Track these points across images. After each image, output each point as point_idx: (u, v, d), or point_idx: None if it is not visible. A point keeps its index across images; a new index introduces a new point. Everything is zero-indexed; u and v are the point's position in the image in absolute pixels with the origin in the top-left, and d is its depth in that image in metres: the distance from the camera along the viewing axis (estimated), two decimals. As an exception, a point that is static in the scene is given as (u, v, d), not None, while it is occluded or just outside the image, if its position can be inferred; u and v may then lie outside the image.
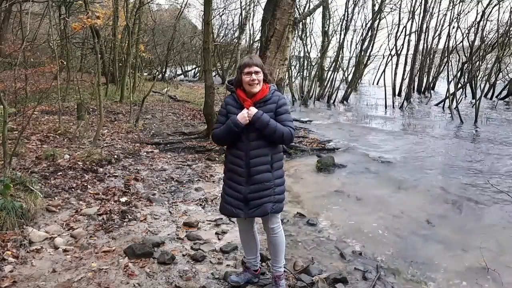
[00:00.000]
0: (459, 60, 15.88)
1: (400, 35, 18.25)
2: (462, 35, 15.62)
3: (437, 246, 3.83)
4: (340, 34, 18.24)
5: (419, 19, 17.74)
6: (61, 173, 5.23)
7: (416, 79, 19.87)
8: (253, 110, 2.59)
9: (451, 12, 17.86)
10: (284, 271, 3.00)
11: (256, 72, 2.62)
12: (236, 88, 2.72)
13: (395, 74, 18.37)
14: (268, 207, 2.64)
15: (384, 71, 17.92)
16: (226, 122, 2.65)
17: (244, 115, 2.58)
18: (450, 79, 13.41)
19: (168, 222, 4.12)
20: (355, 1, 17.95)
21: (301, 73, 18.61)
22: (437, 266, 3.45)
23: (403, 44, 18.32)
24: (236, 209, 2.68)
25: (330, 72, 18.06)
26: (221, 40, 28.54)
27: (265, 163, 2.64)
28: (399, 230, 4.19)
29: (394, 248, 3.75)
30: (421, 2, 17.64)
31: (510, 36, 14.11)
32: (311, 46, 21.08)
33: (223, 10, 28.02)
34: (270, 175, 2.66)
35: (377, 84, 24.31)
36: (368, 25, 18.31)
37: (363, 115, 13.40)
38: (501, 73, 16.13)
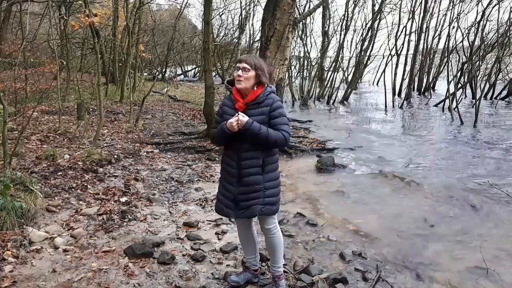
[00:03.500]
0: (459, 60, 15.87)
1: (400, 35, 18.25)
2: (462, 35, 15.63)
3: (437, 246, 3.83)
4: (340, 34, 18.25)
5: (419, 19, 17.75)
6: (61, 173, 5.23)
7: (416, 79, 19.87)
8: (243, 119, 2.52)
9: (451, 12, 17.88)
10: (284, 271, 3.00)
11: (244, 69, 2.58)
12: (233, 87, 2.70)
13: (395, 74, 18.37)
14: (256, 209, 2.63)
15: (384, 71, 17.92)
16: (219, 126, 2.64)
17: (232, 124, 2.52)
18: (450, 79, 13.40)
19: (168, 222, 4.12)
20: (355, 1, 17.95)
21: (301, 73, 18.60)
22: (437, 266, 3.45)
23: (403, 44, 18.33)
24: (226, 208, 2.71)
25: (330, 72, 18.06)
26: (221, 40, 28.53)
27: (256, 165, 2.62)
28: (399, 230, 4.19)
29: (394, 248, 3.75)
30: (421, 2, 17.65)
31: (510, 36, 14.10)
32: (311, 46, 21.03)
33: (223, 10, 28.07)
34: (260, 178, 2.63)
35: (377, 84, 24.32)
36: (368, 25, 18.32)
37: (363, 115, 13.40)
38: (501, 73, 16.13)
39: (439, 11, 26.70)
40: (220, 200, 2.76)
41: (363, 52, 18.37)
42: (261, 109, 2.61)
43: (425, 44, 19.46)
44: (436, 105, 15.32)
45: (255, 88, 2.64)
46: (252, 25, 29.88)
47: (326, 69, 19.85)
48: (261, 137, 2.53)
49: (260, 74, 2.62)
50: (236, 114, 2.54)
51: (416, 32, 17.91)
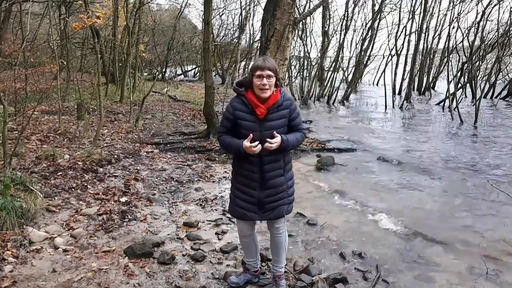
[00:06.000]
0: (459, 60, 15.88)
1: (400, 35, 18.28)
2: (462, 35, 15.65)
3: (437, 246, 3.83)
4: (340, 34, 18.26)
5: (419, 19, 17.76)
6: (61, 173, 5.23)
7: (416, 79, 19.89)
8: (277, 140, 2.47)
9: (451, 12, 17.91)
10: (284, 271, 3.00)
11: (269, 76, 2.47)
12: (246, 91, 2.57)
13: (395, 74, 18.39)
14: (283, 209, 2.68)
15: (384, 71, 17.93)
16: (236, 143, 2.53)
17: (253, 150, 2.46)
18: (450, 79, 13.41)
19: (168, 222, 4.12)
20: (355, 1, 17.97)
21: (301, 73, 18.62)
22: (437, 266, 3.45)
23: (403, 44, 18.35)
24: (249, 212, 2.65)
25: (330, 72, 18.07)
26: (221, 40, 28.55)
27: (279, 167, 2.64)
28: (399, 230, 4.19)
29: (394, 248, 3.75)
30: (421, 2, 17.66)
31: (510, 36, 14.11)
32: (311, 46, 21.13)
33: (223, 10, 28.07)
34: (283, 179, 2.67)
35: (377, 84, 24.33)
36: (368, 25, 18.33)
37: (363, 115, 13.40)
38: (501, 73, 16.14)
39: (439, 11, 26.82)
40: (240, 205, 2.68)
41: (363, 52, 18.39)
42: (281, 113, 2.58)
43: (425, 44, 19.49)
44: (436, 105, 15.32)
45: (274, 92, 2.57)
46: (252, 25, 29.96)
47: (326, 69, 19.86)
48: (294, 146, 2.62)
49: (279, 77, 2.58)
50: (258, 142, 2.47)
51: (416, 32, 17.92)
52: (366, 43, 18.21)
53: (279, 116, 2.57)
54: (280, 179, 2.65)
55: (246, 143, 2.47)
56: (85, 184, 4.99)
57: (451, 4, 17.71)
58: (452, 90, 13.16)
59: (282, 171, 2.65)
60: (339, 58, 18.62)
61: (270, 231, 2.83)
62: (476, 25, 15.72)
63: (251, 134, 2.49)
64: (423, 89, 20.11)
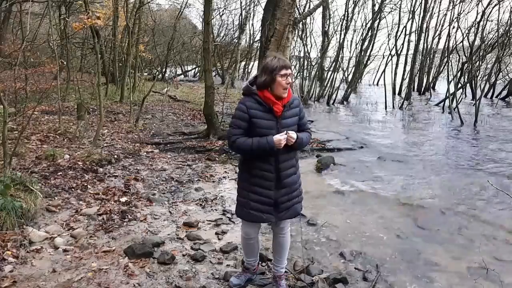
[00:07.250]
0: (459, 60, 15.87)
1: (400, 35, 18.29)
2: (462, 35, 15.63)
3: (437, 246, 3.83)
4: (340, 34, 18.26)
5: (419, 19, 17.77)
6: (61, 173, 5.23)
7: (416, 79, 19.90)
8: (294, 135, 2.51)
9: (451, 12, 17.91)
10: (285, 271, 3.00)
11: (291, 75, 2.53)
12: (258, 90, 2.53)
13: (395, 74, 18.39)
14: (298, 208, 2.71)
15: (384, 71, 17.93)
16: (259, 141, 2.47)
17: (281, 142, 2.46)
18: (450, 79, 13.41)
19: (168, 222, 4.12)
20: (355, 1, 17.96)
21: (301, 73, 18.60)
22: (437, 266, 3.45)
23: (403, 44, 18.36)
24: (265, 214, 2.62)
25: (330, 72, 18.06)
26: (221, 40, 28.54)
27: (293, 165, 2.66)
28: (399, 230, 4.19)
29: (394, 248, 3.75)
30: (421, 2, 17.67)
31: (510, 36, 14.10)
32: (311, 46, 21.04)
33: (223, 10, 28.07)
34: (296, 177, 2.69)
35: (377, 84, 24.33)
36: (368, 25, 18.33)
37: (363, 115, 13.40)
38: (501, 73, 16.14)
39: (439, 11, 26.85)
40: (256, 208, 2.61)
41: (363, 52, 18.38)
42: (293, 110, 2.61)
43: (425, 44, 19.48)
44: (436, 105, 15.32)
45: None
46: (252, 25, 29.94)
47: (326, 69, 19.84)
48: (304, 146, 2.65)
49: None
50: (285, 132, 2.49)
51: (416, 32, 17.93)
52: (366, 43, 18.20)
53: (293, 114, 2.61)
54: (294, 177, 2.66)
55: (280, 136, 2.47)
56: (85, 184, 4.99)
57: (451, 4, 17.73)
58: (452, 90, 13.15)
59: (295, 169, 2.68)
60: (339, 58, 18.61)
61: (275, 231, 2.82)
62: (476, 25, 15.72)
63: (285, 132, 2.50)
64: (423, 89, 20.11)
